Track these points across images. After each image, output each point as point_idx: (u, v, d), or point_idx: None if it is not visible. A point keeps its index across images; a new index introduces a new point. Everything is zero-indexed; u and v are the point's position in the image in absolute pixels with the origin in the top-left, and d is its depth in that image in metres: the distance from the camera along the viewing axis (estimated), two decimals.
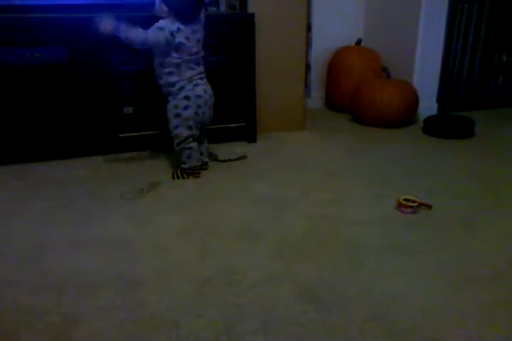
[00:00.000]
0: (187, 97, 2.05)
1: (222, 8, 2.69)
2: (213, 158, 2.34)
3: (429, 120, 2.86)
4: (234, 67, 2.52)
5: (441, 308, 1.25)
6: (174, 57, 2.00)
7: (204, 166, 2.22)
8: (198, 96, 2.06)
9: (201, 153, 2.22)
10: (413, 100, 2.92)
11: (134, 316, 1.22)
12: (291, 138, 2.72)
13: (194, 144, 2.12)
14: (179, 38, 1.97)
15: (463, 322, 1.20)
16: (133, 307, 1.26)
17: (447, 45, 3.13)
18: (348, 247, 1.56)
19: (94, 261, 1.48)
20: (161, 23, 1.96)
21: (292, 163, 2.33)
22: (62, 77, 2.24)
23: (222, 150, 2.47)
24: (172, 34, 1.95)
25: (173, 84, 2.04)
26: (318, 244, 1.58)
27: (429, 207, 1.82)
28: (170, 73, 2.03)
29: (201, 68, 2.10)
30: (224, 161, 2.33)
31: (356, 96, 2.99)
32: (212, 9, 2.66)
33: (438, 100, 3.21)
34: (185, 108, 2.05)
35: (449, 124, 2.78)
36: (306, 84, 3.32)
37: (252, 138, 2.63)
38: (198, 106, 2.07)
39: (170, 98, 2.08)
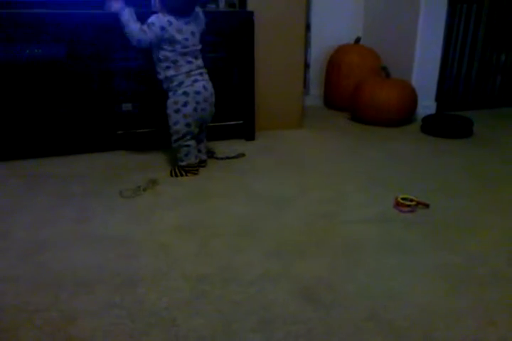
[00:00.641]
0: (185, 93, 2.05)
1: (222, 5, 2.68)
2: (211, 155, 2.34)
3: (427, 119, 2.86)
4: (233, 64, 2.52)
5: (439, 307, 1.26)
6: (168, 50, 2.00)
7: (202, 164, 2.23)
8: (197, 93, 2.06)
9: (199, 151, 2.22)
10: (412, 99, 2.93)
11: (132, 313, 1.22)
12: (290, 136, 2.72)
13: (192, 142, 2.12)
14: (171, 31, 1.97)
15: (460, 321, 1.20)
16: (131, 304, 1.26)
17: (446, 44, 3.14)
18: (346, 246, 1.56)
19: (93, 258, 1.48)
20: (153, 18, 1.97)
21: (290, 161, 2.34)
22: (61, 74, 2.23)
23: (221, 147, 2.47)
24: (163, 28, 1.96)
25: (171, 79, 2.04)
26: (316, 242, 1.58)
27: (427, 206, 1.82)
28: (167, 67, 2.04)
29: (199, 62, 2.10)
30: (222, 159, 2.33)
31: (355, 94, 2.99)
32: (212, 7, 2.65)
33: (437, 99, 3.22)
34: (185, 104, 2.05)
35: (448, 123, 2.78)
36: (305, 83, 3.32)
37: (250, 136, 2.63)
38: (197, 103, 2.07)
39: (170, 94, 2.08)
